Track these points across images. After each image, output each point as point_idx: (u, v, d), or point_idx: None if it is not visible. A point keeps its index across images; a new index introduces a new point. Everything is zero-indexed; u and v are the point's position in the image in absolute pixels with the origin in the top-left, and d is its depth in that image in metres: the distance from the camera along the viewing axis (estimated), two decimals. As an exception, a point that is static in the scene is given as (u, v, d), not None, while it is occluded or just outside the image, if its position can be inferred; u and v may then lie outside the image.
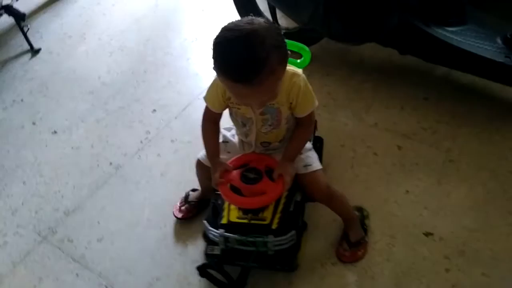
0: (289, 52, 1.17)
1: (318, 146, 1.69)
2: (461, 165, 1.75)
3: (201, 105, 1.42)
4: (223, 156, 1.42)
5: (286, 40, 1.40)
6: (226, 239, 1.35)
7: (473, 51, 1.72)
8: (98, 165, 1.99)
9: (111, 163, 1.99)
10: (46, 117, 2.30)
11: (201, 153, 1.48)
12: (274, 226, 1.34)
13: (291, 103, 1.31)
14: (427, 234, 1.56)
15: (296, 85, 1.26)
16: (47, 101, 2.41)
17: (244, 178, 1.33)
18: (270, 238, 1.32)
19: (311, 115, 1.37)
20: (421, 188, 1.70)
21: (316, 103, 1.33)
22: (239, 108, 1.33)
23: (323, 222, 1.61)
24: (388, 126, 1.94)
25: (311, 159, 1.44)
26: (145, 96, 2.31)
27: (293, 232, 1.35)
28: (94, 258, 1.65)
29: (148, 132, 2.10)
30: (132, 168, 1.96)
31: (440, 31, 1.78)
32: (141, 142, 2.06)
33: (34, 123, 2.28)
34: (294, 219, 1.40)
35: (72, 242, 1.72)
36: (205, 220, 1.42)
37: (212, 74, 1.23)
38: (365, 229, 1.56)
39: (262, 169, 1.35)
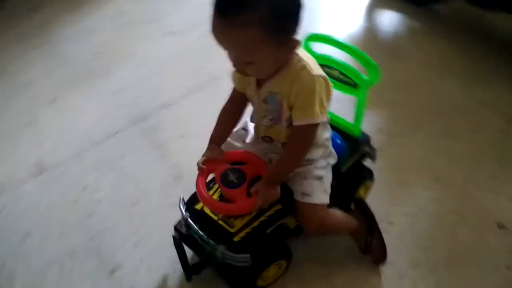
0: (298, 41, 1.03)
1: (360, 177, 1.47)
2: None
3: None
4: (237, 144, 1.30)
5: (360, 52, 1.22)
6: (187, 225, 1.25)
7: None
8: (199, 71, 2.11)
9: (210, 73, 2.09)
10: (166, 18, 2.45)
11: None
12: (236, 238, 1.18)
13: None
14: (500, 226, 1.46)
15: (301, 79, 1.07)
16: (169, 3, 2.54)
17: (224, 176, 1.18)
18: (221, 248, 1.18)
19: (306, 130, 1.12)
20: (510, 178, 1.57)
21: (319, 118, 1.08)
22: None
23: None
24: (498, 107, 1.78)
25: (313, 189, 1.21)
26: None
27: (247, 255, 1.17)
28: (172, 150, 1.79)
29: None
30: (227, 82, 2.02)
31: None
32: (243, 61, 2.12)
33: (152, 22, 2.44)
34: (262, 244, 1.22)
35: (158, 133, 1.87)
36: (190, 197, 1.29)
37: None
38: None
39: (250, 176, 1.17)
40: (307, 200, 1.21)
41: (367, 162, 1.48)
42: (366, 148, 1.44)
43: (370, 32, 2.37)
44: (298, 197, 1.22)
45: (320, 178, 1.22)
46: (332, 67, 1.28)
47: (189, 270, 1.30)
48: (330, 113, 1.44)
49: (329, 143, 1.26)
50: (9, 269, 1.45)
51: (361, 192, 1.50)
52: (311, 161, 1.22)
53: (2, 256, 1.48)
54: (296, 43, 1.04)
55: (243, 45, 0.99)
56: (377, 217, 1.49)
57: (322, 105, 1.08)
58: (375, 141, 1.74)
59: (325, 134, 1.23)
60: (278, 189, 1.16)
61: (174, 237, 1.26)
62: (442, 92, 1.85)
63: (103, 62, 2.26)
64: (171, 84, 2.07)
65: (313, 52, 1.30)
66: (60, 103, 2.07)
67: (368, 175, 1.50)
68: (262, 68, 1.07)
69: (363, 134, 1.43)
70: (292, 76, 1.07)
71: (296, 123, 1.11)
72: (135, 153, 1.81)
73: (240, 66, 1.06)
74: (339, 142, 1.35)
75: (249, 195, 1.14)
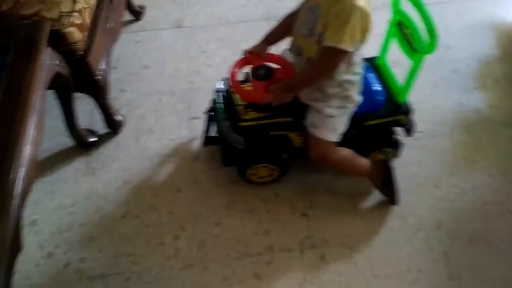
0: None
1: (381, 140, 1.48)
2: None
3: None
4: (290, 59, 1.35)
5: (430, 19, 1.17)
6: (215, 98, 1.45)
7: None
8: None
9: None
10: None
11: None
12: (242, 124, 1.35)
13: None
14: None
15: (343, 3, 1.11)
16: None
17: (257, 69, 1.31)
18: (226, 123, 1.38)
19: (331, 53, 1.16)
20: None
21: (345, 45, 1.12)
22: None
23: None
24: None
25: (321, 124, 1.30)
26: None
27: (241, 138, 1.36)
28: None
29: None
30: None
31: None
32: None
33: None
34: (259, 139, 1.39)
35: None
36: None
37: None
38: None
39: (278, 77, 1.29)
40: (313, 131, 1.32)
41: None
42: (403, 118, 1.42)
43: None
44: (307, 124, 1.34)
45: (331, 116, 1.29)
46: (406, 26, 1.30)
47: (206, 139, 1.58)
48: (388, 70, 1.45)
49: (351, 88, 1.29)
50: (124, 82, 1.87)
51: (378, 156, 1.49)
52: (326, 96, 1.28)
53: (122, 73, 1.90)
54: None
55: None
56: (428, 177, 1.56)
57: (352, 35, 1.12)
58: (477, 114, 1.74)
59: (346, 75, 1.26)
60: (290, 96, 1.27)
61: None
62: None
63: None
64: None
65: (399, 7, 1.31)
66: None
67: (391, 144, 1.48)
68: None
69: (408, 104, 1.41)
70: None
71: (324, 43, 1.16)
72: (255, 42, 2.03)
73: None
74: (380, 98, 1.38)
75: (266, 91, 1.27)
